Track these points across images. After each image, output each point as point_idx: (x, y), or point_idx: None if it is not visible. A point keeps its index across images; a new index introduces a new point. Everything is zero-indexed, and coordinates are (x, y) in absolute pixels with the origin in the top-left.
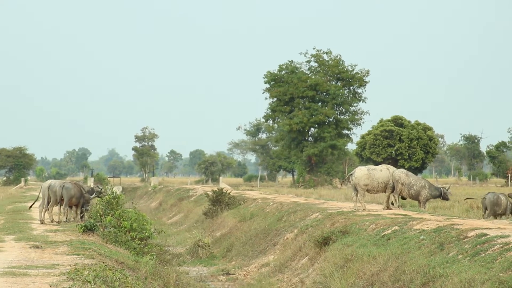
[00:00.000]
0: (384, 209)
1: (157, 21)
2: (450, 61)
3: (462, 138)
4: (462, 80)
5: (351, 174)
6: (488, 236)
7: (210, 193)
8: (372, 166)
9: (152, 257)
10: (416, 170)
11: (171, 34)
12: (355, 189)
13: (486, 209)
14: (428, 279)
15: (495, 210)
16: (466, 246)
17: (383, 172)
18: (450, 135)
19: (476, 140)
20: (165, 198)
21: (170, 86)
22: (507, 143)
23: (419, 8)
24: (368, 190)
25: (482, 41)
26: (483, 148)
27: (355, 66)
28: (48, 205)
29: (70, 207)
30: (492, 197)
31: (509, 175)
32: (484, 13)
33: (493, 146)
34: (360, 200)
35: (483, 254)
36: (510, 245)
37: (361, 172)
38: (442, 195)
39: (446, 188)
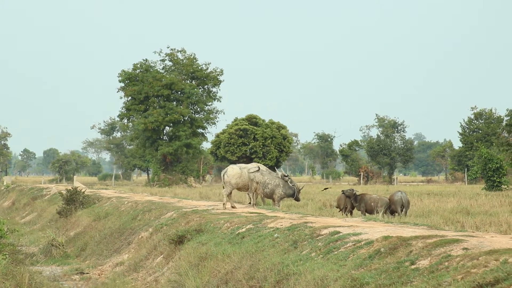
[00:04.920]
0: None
1: (8, 19)
2: (303, 61)
3: (316, 136)
4: (315, 79)
5: (224, 172)
6: (341, 234)
7: (64, 192)
8: (244, 165)
9: (5, 257)
10: (271, 169)
11: (21, 29)
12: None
13: (402, 207)
14: (282, 277)
15: (408, 208)
16: (319, 244)
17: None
18: (304, 134)
19: (329, 139)
20: (18, 197)
21: (23, 84)
22: (360, 142)
23: (272, 7)
24: (239, 188)
25: (337, 41)
26: (336, 146)
27: (208, 64)
28: None
29: None
30: (406, 196)
31: (362, 173)
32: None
33: (346, 144)
34: (228, 198)
35: (336, 252)
36: (362, 243)
37: (233, 171)
38: (295, 196)
39: (300, 187)
